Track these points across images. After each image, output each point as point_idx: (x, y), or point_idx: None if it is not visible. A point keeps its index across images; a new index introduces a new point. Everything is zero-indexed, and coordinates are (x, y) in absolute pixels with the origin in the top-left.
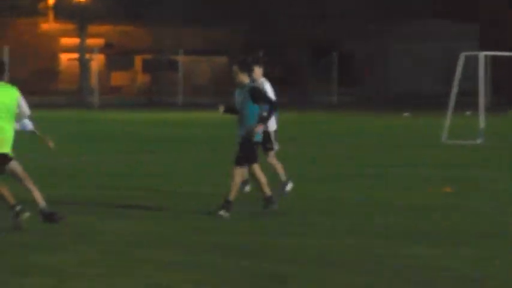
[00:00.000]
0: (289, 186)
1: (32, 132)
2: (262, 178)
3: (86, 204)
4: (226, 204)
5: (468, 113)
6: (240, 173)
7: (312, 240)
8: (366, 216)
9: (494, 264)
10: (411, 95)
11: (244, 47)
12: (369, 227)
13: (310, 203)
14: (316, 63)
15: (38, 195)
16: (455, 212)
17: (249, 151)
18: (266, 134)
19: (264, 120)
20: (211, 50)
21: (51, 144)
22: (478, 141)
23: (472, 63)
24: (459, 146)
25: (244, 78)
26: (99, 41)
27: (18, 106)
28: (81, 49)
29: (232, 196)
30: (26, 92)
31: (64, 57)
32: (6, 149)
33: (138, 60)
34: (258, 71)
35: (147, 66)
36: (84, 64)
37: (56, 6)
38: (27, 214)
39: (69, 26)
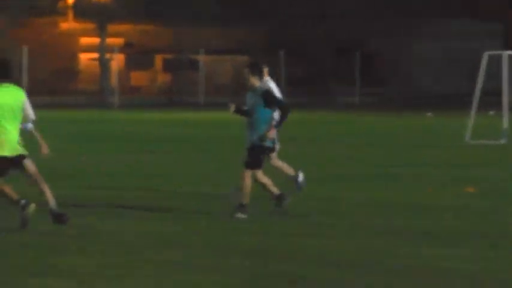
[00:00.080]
0: (301, 177)
1: (30, 133)
2: (266, 180)
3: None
4: (241, 208)
5: (492, 112)
6: (250, 176)
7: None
8: (385, 217)
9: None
10: (434, 95)
11: (265, 46)
12: (390, 227)
13: (332, 204)
14: (338, 63)
15: (49, 195)
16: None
17: (256, 157)
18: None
19: (277, 125)
20: (232, 49)
21: (44, 149)
22: (502, 141)
23: (495, 62)
24: (483, 146)
25: (256, 82)
26: (119, 41)
27: (23, 109)
28: (101, 49)
29: (245, 199)
30: (45, 92)
31: (84, 57)
32: (8, 151)
33: (158, 60)
34: (264, 70)
35: (167, 66)
36: (104, 64)
37: (75, 6)
38: (33, 206)
39: (89, 26)
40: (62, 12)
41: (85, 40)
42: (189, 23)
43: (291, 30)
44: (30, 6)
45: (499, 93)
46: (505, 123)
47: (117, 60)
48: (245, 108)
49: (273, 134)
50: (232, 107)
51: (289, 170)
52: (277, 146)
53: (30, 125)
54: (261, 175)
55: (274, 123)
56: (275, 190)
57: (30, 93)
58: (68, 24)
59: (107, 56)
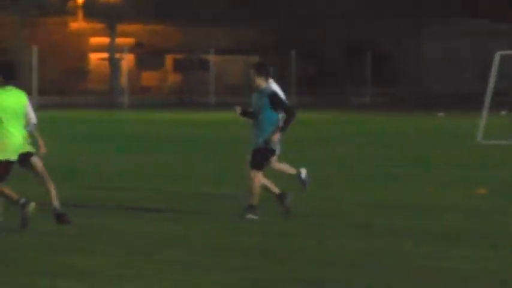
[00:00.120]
0: (303, 173)
1: (30, 132)
2: (265, 181)
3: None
4: (251, 208)
5: (503, 112)
6: (258, 176)
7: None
8: (405, 218)
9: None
10: (446, 95)
11: (275, 46)
12: (406, 228)
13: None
14: (349, 63)
15: (54, 194)
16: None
17: (261, 159)
18: None
19: (282, 128)
20: (243, 49)
21: (42, 149)
22: None
23: (507, 62)
24: (494, 146)
25: (262, 82)
26: (129, 41)
27: (26, 113)
28: (111, 48)
29: (254, 200)
30: (54, 92)
31: (93, 57)
32: (12, 155)
33: (168, 60)
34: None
35: (177, 66)
36: (114, 64)
37: (85, 5)
38: (33, 205)
39: (99, 25)
40: (71, 12)
41: (95, 40)
42: (199, 22)
43: (301, 30)
44: (39, 6)
45: (510, 93)
46: None
47: (127, 60)
48: (250, 110)
49: (277, 137)
50: (238, 110)
51: (290, 169)
52: (277, 151)
53: (30, 126)
54: (261, 176)
55: (279, 126)
56: (276, 190)
57: (40, 93)
58: (78, 24)
59: (117, 56)
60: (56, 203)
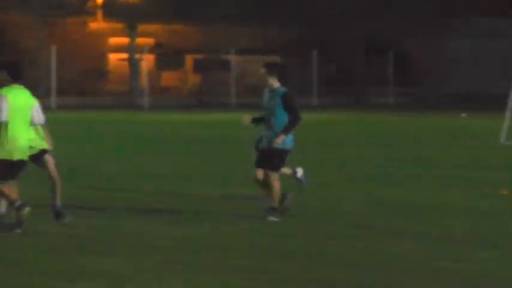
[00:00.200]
0: (299, 173)
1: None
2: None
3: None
4: (272, 211)
5: None
6: (277, 178)
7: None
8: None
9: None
10: (469, 96)
11: (296, 46)
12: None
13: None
14: (371, 63)
15: (58, 193)
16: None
17: (280, 161)
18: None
19: (286, 131)
20: (263, 49)
21: (49, 146)
22: None
23: None
24: None
25: (274, 82)
26: (148, 41)
27: (32, 114)
28: (131, 49)
29: (275, 202)
30: (73, 92)
31: (113, 57)
32: (21, 155)
33: (188, 60)
34: None
35: (198, 66)
36: (133, 64)
37: (104, 5)
38: (27, 209)
39: (118, 26)
40: (90, 11)
41: (114, 40)
42: (219, 22)
43: (323, 29)
44: (59, 6)
45: None
46: None
47: (146, 61)
48: (257, 116)
49: (281, 139)
50: (247, 120)
51: (286, 170)
52: None
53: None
54: (260, 175)
55: (285, 128)
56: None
57: (59, 94)
58: (97, 24)
59: (137, 56)
60: (58, 201)
